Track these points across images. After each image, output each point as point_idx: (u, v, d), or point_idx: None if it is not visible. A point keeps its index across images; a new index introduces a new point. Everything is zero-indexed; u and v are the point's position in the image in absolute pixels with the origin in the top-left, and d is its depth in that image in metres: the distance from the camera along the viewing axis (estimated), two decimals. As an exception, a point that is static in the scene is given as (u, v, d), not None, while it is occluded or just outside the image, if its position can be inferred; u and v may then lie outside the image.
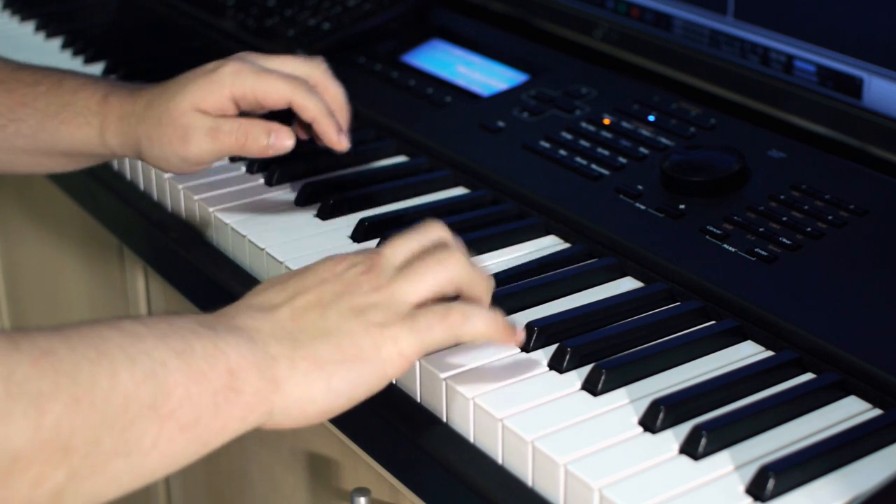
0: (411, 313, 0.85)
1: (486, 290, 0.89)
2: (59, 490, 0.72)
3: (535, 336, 0.92)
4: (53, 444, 0.71)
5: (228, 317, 0.83)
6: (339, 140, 1.08)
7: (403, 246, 0.88)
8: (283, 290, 0.85)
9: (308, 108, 1.06)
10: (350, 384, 0.82)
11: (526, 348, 0.92)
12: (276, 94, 1.06)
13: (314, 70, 1.10)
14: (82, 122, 1.11)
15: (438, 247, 0.88)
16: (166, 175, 1.21)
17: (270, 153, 1.07)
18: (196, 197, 1.16)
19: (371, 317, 0.84)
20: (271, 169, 1.18)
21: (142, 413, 0.74)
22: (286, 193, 1.17)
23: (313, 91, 1.08)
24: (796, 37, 1.18)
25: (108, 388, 0.73)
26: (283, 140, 1.06)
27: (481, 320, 0.85)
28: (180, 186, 1.18)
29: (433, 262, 0.87)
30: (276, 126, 1.07)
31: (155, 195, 1.24)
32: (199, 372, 0.76)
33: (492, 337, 0.87)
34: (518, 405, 0.86)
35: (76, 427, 0.71)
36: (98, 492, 0.74)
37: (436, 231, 0.90)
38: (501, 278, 1.01)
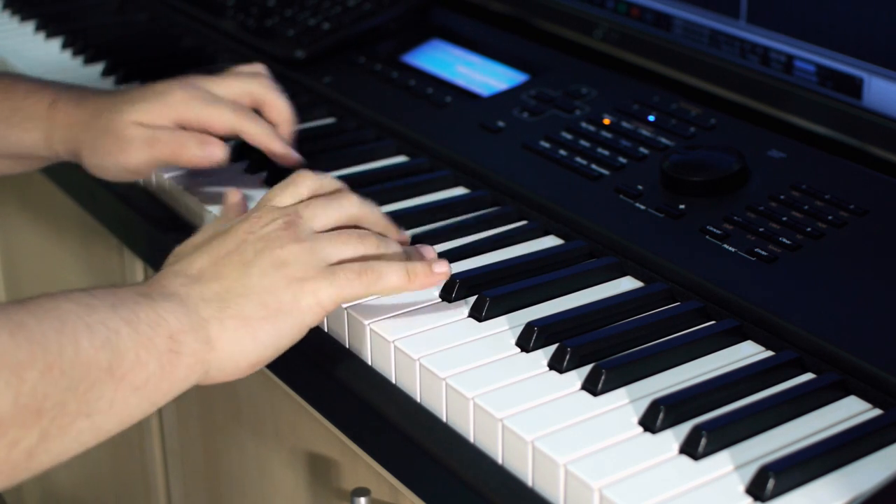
0: (330, 268, 0.92)
1: (385, 227, 0.99)
2: (31, 450, 0.79)
3: (535, 335, 0.92)
4: (29, 409, 0.78)
5: (160, 285, 0.90)
6: (288, 157, 1.14)
7: (319, 207, 0.96)
8: (206, 254, 0.92)
9: (253, 135, 1.13)
10: (274, 336, 0.89)
11: (526, 348, 0.92)
12: (221, 123, 1.13)
13: (258, 87, 1.16)
14: (30, 127, 1.15)
15: (355, 209, 0.97)
16: (166, 175, 1.21)
17: (204, 164, 1.12)
18: (196, 196, 1.16)
19: (291, 271, 0.91)
20: (270, 169, 1.18)
21: (100, 377, 0.81)
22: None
23: (256, 118, 1.13)
24: (796, 37, 1.18)
25: (73, 355, 0.80)
26: (214, 152, 1.12)
27: (395, 275, 0.93)
28: (180, 186, 1.18)
29: (351, 231, 0.95)
30: (209, 139, 1.12)
31: (155, 195, 1.24)
32: (146, 338, 0.84)
33: (407, 288, 0.94)
34: (518, 405, 0.86)
35: (48, 392, 0.79)
36: (63, 450, 0.82)
37: (327, 182, 0.99)
38: (502, 277, 1.01)
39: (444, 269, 0.96)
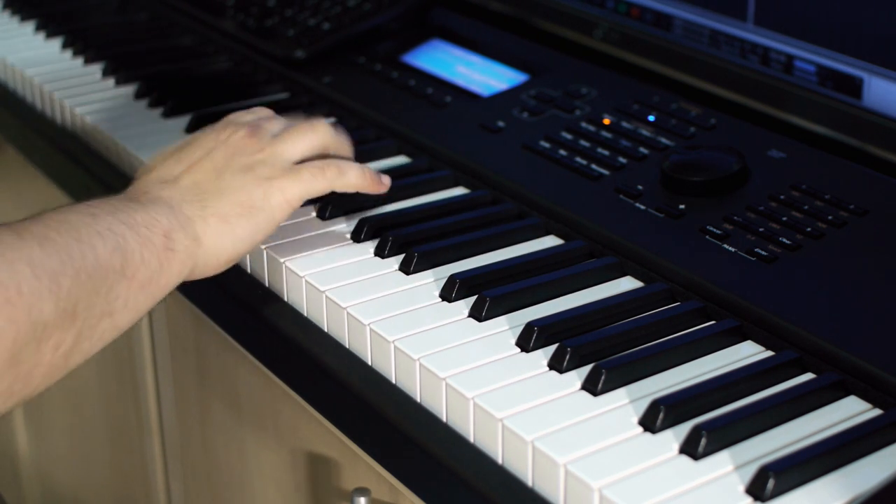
0: (295, 167, 1.02)
1: (350, 149, 1.08)
2: (68, 351, 0.86)
3: (535, 335, 0.92)
4: (67, 312, 0.85)
5: (141, 192, 0.98)
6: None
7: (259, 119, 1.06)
8: (178, 163, 1.01)
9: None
10: (251, 231, 0.98)
11: (526, 348, 0.92)
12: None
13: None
14: None
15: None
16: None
17: None
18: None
19: (259, 172, 1.00)
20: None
21: (116, 278, 0.89)
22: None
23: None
24: (797, 37, 1.18)
25: (94, 260, 0.87)
26: None
27: (354, 173, 1.04)
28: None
29: (306, 127, 1.05)
30: None
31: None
32: (146, 238, 0.92)
33: (363, 187, 1.05)
34: (518, 405, 0.86)
35: (80, 296, 0.86)
36: (90, 349, 0.89)
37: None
38: (502, 277, 1.01)
39: (388, 182, 1.07)
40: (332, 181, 1.03)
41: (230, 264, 0.99)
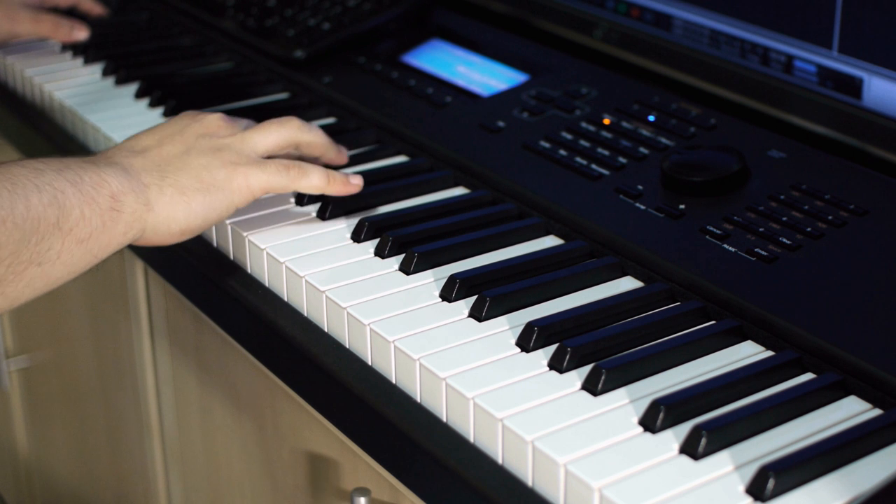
0: (262, 159, 1.06)
1: (324, 142, 1.14)
2: None
3: (535, 335, 0.92)
4: None
5: (106, 156, 1.03)
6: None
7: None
8: (152, 136, 1.07)
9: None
10: (206, 208, 1.03)
11: (526, 348, 0.92)
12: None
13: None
14: None
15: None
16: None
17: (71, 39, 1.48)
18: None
19: (226, 156, 1.05)
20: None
21: (49, 230, 0.94)
22: (287, 195, 1.17)
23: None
24: (796, 37, 1.18)
25: (24, 211, 0.93)
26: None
27: (317, 176, 1.08)
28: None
29: (277, 122, 1.10)
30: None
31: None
32: (90, 197, 0.97)
33: (326, 190, 1.08)
34: (518, 405, 0.86)
35: (3, 242, 0.92)
36: (18, 294, 0.95)
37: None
38: (502, 277, 1.01)
39: (358, 182, 1.10)
40: (295, 180, 1.06)
41: (185, 237, 1.04)
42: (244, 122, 1.12)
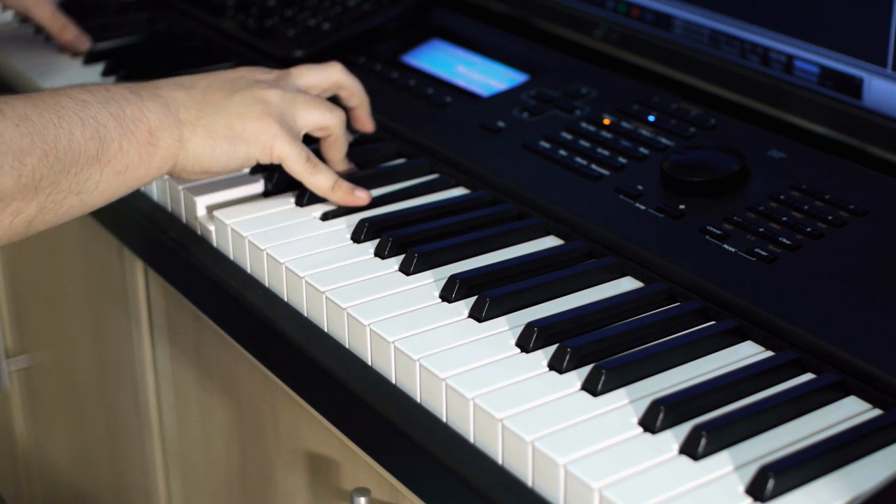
0: (296, 134, 1.11)
1: (361, 95, 1.21)
2: (30, 219, 0.98)
3: (535, 336, 0.92)
4: (28, 187, 0.96)
5: (154, 86, 1.07)
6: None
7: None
8: (206, 77, 1.11)
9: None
10: (227, 157, 1.08)
11: (526, 348, 0.92)
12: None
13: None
14: None
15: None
16: (166, 176, 1.20)
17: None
18: (196, 197, 1.16)
19: (266, 109, 1.09)
20: (270, 171, 1.18)
21: (89, 162, 1.00)
22: (287, 196, 1.17)
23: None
24: (796, 36, 1.18)
25: (67, 145, 0.98)
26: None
27: (324, 177, 1.11)
28: (180, 187, 1.18)
29: (322, 64, 1.17)
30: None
31: (155, 195, 1.24)
32: (129, 130, 1.02)
33: (328, 195, 1.11)
34: (518, 405, 0.86)
35: (45, 174, 0.97)
36: (56, 220, 1.00)
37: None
38: (502, 277, 1.01)
39: (363, 196, 1.12)
40: (306, 172, 1.10)
41: (205, 177, 1.10)
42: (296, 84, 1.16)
